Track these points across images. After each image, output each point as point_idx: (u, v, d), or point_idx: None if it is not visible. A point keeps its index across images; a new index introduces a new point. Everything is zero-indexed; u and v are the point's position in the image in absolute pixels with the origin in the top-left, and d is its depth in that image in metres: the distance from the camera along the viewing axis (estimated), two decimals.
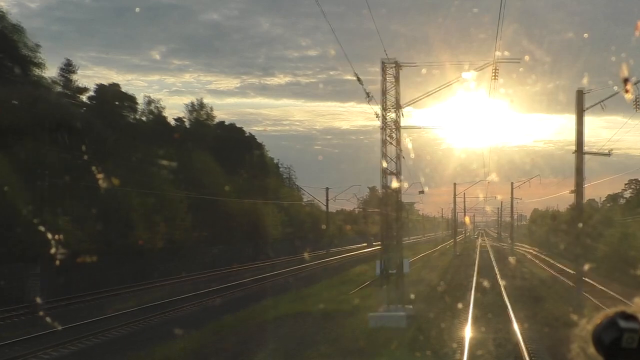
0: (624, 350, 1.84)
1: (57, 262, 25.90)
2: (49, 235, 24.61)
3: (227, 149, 73.68)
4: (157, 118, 69.39)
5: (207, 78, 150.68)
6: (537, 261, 60.40)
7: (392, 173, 23.73)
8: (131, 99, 63.64)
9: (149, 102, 70.00)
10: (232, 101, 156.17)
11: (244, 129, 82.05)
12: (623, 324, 1.84)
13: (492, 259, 61.34)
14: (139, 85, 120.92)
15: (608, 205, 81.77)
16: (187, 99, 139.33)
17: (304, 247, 68.38)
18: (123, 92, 62.85)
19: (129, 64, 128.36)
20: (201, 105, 76.82)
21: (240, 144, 78.46)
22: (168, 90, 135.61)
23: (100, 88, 58.73)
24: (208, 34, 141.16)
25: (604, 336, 1.86)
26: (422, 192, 60.71)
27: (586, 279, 29.48)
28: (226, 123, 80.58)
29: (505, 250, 77.61)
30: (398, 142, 23.85)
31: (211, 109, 77.77)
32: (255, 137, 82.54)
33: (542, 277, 42.23)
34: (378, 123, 24.41)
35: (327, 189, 68.51)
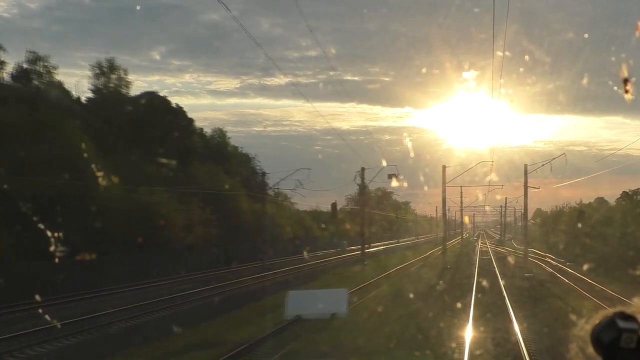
0: (622, 350, 1.82)
1: None
2: None
3: (143, 126, 55.16)
4: (45, 82, 51.30)
5: (207, 78, 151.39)
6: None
7: None
8: None
9: (35, 59, 51.14)
10: (232, 102, 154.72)
11: (171, 100, 62.24)
12: (622, 324, 1.83)
13: (500, 279, 42.48)
14: (139, 85, 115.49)
15: (623, 203, 66.65)
16: (188, 100, 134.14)
17: (236, 256, 49.65)
18: None
19: (129, 64, 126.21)
20: (111, 67, 57.48)
21: (168, 121, 59.63)
22: (168, 90, 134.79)
23: None
24: (208, 34, 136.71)
25: (602, 336, 1.84)
26: (393, 175, 43.11)
27: None
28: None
29: (515, 259, 57.85)
30: None
31: (125, 72, 58.19)
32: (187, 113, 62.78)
33: None
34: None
35: (263, 173, 49.40)
